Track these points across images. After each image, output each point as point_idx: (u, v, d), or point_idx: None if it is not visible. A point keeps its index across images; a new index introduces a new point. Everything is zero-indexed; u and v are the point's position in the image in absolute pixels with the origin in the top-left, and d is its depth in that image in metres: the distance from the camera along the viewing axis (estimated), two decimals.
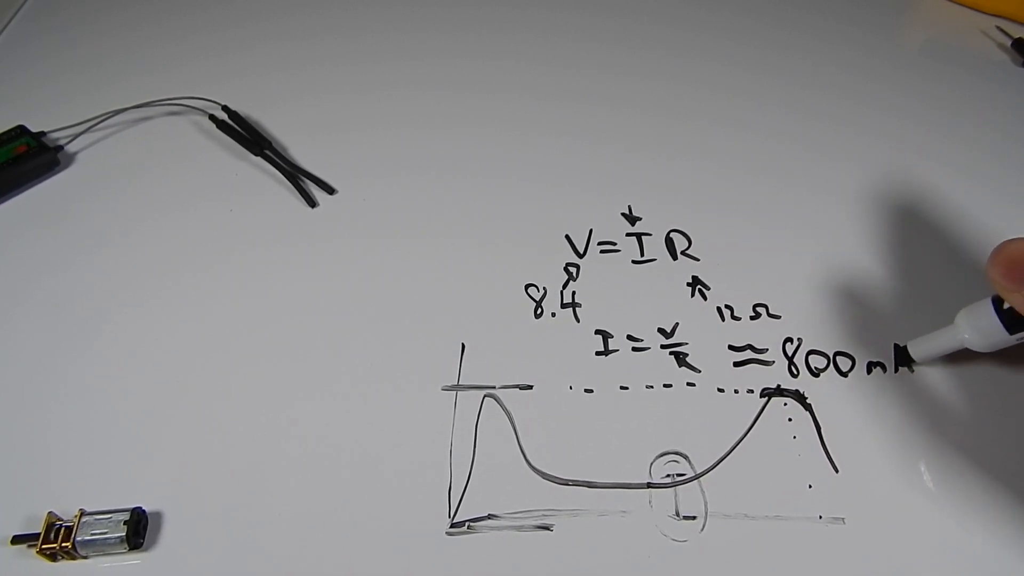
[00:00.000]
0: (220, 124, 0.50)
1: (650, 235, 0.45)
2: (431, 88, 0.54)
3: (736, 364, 0.40)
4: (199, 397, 0.38)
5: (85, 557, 0.32)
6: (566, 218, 0.46)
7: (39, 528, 0.32)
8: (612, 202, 0.47)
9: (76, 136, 0.49)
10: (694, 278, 0.43)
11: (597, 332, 0.41)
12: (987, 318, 0.34)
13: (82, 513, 0.32)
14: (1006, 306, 0.33)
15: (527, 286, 0.43)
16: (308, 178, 0.48)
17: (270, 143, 0.49)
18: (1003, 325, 0.33)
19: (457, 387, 0.38)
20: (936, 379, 0.39)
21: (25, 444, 0.36)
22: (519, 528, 0.34)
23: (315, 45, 0.57)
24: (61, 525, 0.32)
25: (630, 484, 0.35)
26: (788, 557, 0.33)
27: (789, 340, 0.40)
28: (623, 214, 0.46)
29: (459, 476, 0.35)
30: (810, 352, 0.40)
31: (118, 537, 0.31)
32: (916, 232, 0.46)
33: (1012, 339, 0.33)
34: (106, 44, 0.57)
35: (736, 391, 0.38)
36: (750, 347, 0.40)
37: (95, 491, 0.34)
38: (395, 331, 0.40)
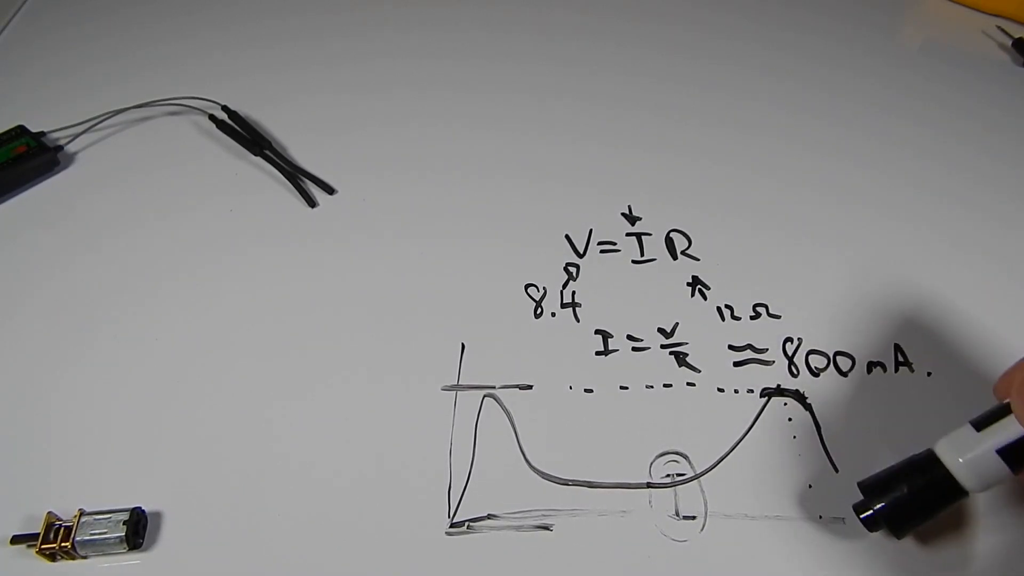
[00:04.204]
0: (220, 124, 0.50)
1: (650, 235, 0.45)
2: (431, 88, 0.54)
3: (736, 364, 0.39)
4: (199, 397, 0.38)
5: (84, 557, 0.32)
6: (566, 218, 0.46)
7: (39, 528, 0.32)
8: (612, 202, 0.47)
9: (76, 136, 0.49)
10: (694, 278, 0.43)
11: (597, 332, 0.41)
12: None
13: (81, 513, 0.32)
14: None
15: (527, 286, 0.42)
16: (308, 178, 0.48)
17: (270, 143, 0.49)
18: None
19: (457, 387, 0.38)
20: (937, 379, 0.39)
21: (25, 444, 0.36)
22: (519, 528, 0.34)
23: (315, 45, 0.57)
24: (60, 525, 0.32)
25: (630, 484, 0.35)
26: (788, 557, 0.33)
27: (789, 340, 0.40)
28: (623, 214, 0.46)
29: (459, 476, 0.35)
30: (810, 352, 0.40)
31: (117, 537, 0.31)
32: (915, 231, 0.46)
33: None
34: (106, 44, 0.57)
35: (736, 391, 0.38)
36: (750, 347, 0.40)
37: (94, 491, 0.34)
38: (395, 331, 0.40)
